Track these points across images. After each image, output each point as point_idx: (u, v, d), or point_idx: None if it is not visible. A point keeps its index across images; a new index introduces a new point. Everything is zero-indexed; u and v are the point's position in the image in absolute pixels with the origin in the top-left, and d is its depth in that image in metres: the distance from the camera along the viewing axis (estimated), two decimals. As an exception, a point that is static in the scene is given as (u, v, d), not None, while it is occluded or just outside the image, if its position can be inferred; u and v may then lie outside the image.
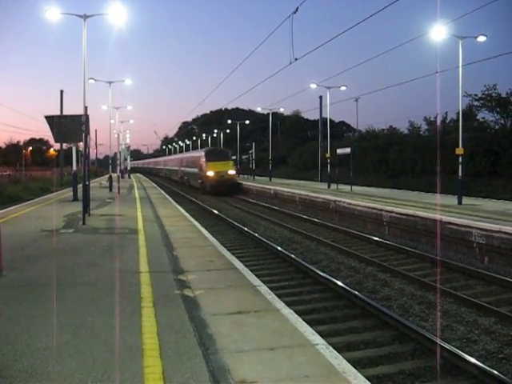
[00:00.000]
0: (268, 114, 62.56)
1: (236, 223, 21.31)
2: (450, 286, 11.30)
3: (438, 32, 22.04)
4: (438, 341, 7.44)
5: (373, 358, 7.33)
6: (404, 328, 8.24)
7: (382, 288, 11.33)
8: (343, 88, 43.35)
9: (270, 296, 7.58)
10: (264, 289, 8.03)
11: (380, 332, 8.38)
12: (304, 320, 6.55)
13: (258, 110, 76.22)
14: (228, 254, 11.16)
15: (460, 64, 21.37)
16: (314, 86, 41.66)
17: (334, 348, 5.60)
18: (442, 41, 22.72)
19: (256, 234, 18.05)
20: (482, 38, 23.31)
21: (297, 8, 15.23)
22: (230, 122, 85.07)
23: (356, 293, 10.18)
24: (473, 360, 6.87)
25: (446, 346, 7.32)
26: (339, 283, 10.97)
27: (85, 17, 21.70)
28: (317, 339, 5.73)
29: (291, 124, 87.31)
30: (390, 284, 11.64)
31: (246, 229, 19.47)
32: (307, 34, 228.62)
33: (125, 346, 5.46)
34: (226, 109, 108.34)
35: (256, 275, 9.26)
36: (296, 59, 17.16)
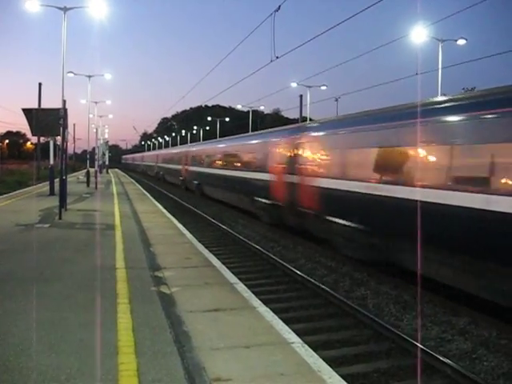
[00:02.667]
0: (248, 111, 62.56)
1: (213, 220, 21.25)
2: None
3: (419, 34, 22.33)
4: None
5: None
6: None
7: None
8: (323, 87, 43.70)
9: (247, 294, 7.60)
10: (241, 286, 8.04)
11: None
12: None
13: (239, 107, 75.68)
14: (205, 252, 11.15)
15: (440, 66, 21.69)
16: (294, 84, 41.87)
17: (310, 346, 5.63)
18: (423, 43, 23.06)
19: (234, 232, 18.01)
20: (461, 42, 23.69)
21: (279, 6, 15.21)
22: (209, 119, 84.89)
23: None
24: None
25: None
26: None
27: (65, 9, 21.43)
28: (293, 337, 5.77)
29: (271, 122, 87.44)
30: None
31: (224, 226, 19.41)
32: (289, 32, 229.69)
33: (100, 342, 5.41)
34: (206, 106, 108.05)
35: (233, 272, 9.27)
36: (277, 57, 17.13)
